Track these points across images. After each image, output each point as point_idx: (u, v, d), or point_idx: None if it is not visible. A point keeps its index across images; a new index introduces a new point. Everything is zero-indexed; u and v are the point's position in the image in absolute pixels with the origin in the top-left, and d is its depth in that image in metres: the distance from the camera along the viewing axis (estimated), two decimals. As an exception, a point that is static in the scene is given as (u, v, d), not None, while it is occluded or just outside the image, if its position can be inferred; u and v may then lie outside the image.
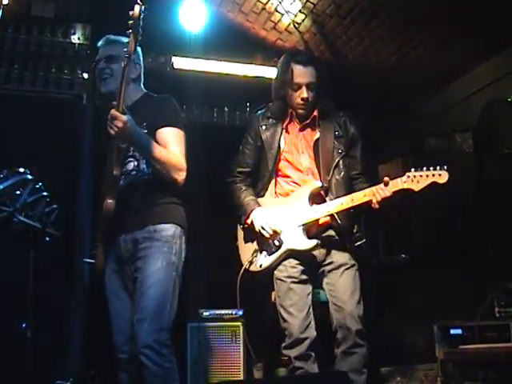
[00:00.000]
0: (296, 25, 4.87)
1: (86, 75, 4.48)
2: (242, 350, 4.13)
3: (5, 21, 3.80)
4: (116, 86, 2.51)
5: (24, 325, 2.79)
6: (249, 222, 2.90)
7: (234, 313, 4.23)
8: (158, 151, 2.54)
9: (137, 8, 2.40)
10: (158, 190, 2.62)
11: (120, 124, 2.39)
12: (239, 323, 4.18)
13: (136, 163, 2.65)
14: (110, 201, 2.56)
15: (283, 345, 2.79)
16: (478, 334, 3.43)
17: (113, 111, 2.41)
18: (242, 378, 4.06)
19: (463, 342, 3.45)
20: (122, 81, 2.43)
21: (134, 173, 2.65)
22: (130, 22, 2.41)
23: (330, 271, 2.83)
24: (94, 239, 2.78)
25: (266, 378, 4.03)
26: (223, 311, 4.23)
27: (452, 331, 3.59)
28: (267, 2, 4.72)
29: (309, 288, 2.83)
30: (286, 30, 4.99)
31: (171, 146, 2.59)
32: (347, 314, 2.73)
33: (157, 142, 2.58)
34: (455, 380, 3.40)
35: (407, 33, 4.52)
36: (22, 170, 2.88)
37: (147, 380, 2.43)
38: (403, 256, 4.33)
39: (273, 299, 4.23)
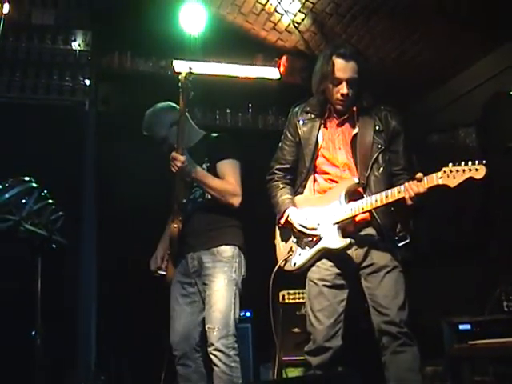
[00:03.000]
0: (296, 24, 4.87)
1: (87, 81, 4.50)
2: (250, 351, 4.13)
3: (5, 30, 3.82)
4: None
5: (33, 333, 2.80)
6: (282, 221, 2.82)
7: (241, 314, 4.23)
8: (214, 182, 3.05)
9: (184, 73, 2.99)
10: (219, 214, 3.09)
11: (179, 164, 2.94)
12: (247, 324, 4.19)
13: (201, 191, 3.11)
14: (175, 226, 3.09)
15: (306, 349, 2.72)
16: (487, 329, 3.42)
17: (173, 153, 2.96)
18: (250, 379, 4.07)
19: (472, 337, 3.44)
20: (179, 132, 3.00)
21: (200, 200, 3.13)
22: (179, 83, 2.96)
23: (369, 274, 2.69)
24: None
25: (274, 379, 4.03)
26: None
27: (461, 327, 3.57)
28: (266, 3, 4.73)
29: (343, 294, 2.71)
30: (285, 30, 4.99)
31: (228, 175, 3.09)
32: (389, 321, 2.60)
33: (217, 172, 3.10)
34: (465, 375, 3.41)
35: (407, 29, 4.52)
36: (26, 178, 2.90)
37: (217, 377, 2.90)
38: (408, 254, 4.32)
39: (280, 300, 4.29)
